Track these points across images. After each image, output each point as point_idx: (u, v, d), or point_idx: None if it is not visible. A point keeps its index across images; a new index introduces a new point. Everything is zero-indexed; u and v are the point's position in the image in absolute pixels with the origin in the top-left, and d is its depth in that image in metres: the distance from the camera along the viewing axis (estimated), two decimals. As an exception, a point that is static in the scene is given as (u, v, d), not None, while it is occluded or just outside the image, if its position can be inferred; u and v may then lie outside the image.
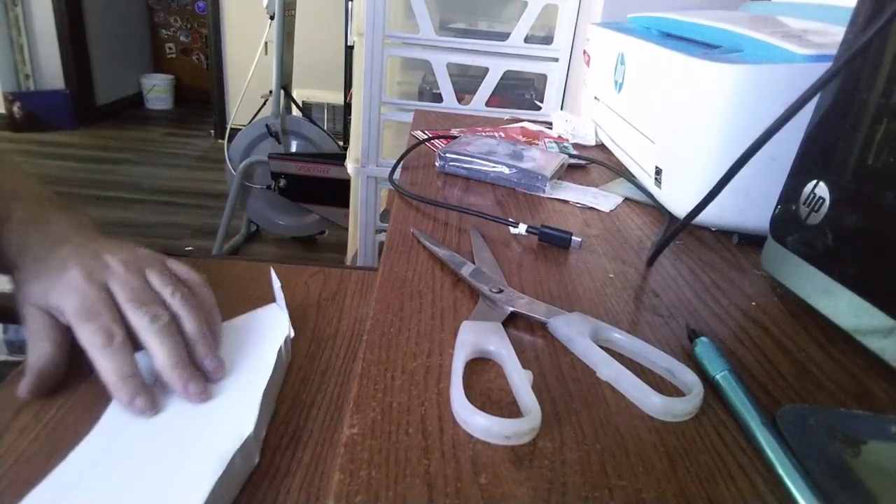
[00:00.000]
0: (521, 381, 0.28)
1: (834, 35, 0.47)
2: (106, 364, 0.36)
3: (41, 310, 0.38)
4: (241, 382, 0.39)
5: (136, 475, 0.32)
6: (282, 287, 0.46)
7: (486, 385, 0.29)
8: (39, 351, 0.38)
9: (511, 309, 0.35)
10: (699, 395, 0.28)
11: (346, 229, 1.72)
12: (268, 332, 0.44)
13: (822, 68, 0.34)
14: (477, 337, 0.31)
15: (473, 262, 0.41)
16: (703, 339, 0.33)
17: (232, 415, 0.36)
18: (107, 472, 0.32)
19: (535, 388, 0.28)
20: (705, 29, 0.57)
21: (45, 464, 0.32)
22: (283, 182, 2.18)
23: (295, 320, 0.46)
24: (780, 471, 0.24)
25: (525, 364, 0.30)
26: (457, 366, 0.29)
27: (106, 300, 0.38)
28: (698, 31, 0.58)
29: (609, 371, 0.30)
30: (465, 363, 0.29)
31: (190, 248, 0.60)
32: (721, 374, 0.30)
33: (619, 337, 0.33)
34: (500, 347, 0.31)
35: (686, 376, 0.30)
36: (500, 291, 0.36)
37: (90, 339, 0.36)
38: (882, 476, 0.24)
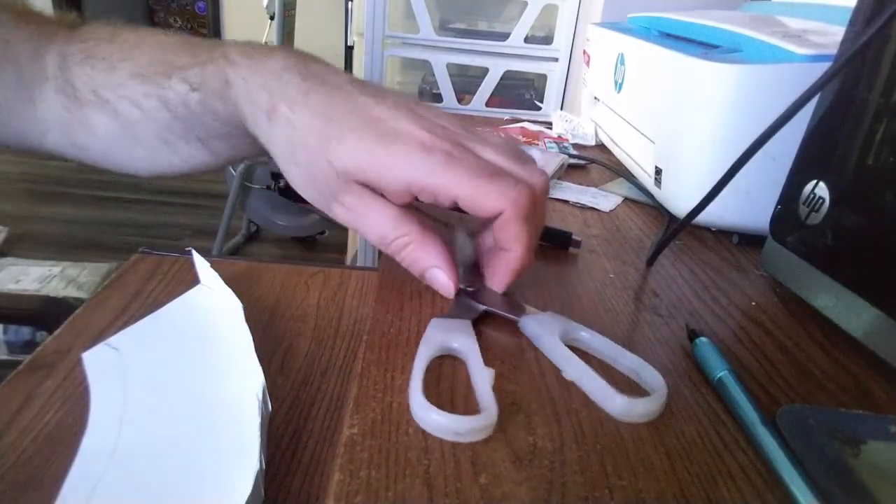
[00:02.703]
0: (481, 378, 0.28)
1: (834, 35, 0.47)
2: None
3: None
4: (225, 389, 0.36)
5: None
6: (282, 286, 0.45)
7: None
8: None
9: (483, 307, 0.35)
10: (663, 396, 0.28)
11: (346, 229, 1.72)
12: (216, 316, 0.41)
13: (822, 68, 0.34)
14: (443, 334, 0.31)
15: None
16: (703, 339, 0.33)
17: (232, 442, 0.33)
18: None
19: (534, 387, 0.28)
20: (705, 29, 0.57)
21: (45, 464, 0.32)
22: (283, 182, 2.18)
23: (295, 321, 0.46)
24: (780, 471, 0.24)
25: (495, 362, 0.30)
26: (418, 363, 0.28)
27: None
28: (698, 31, 0.58)
29: (573, 371, 0.30)
30: (431, 360, 0.29)
31: (189, 249, 0.60)
32: (721, 374, 0.30)
33: (587, 336, 0.32)
34: (465, 345, 0.30)
35: (650, 376, 0.29)
36: (475, 289, 0.36)
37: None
38: (882, 476, 0.24)
